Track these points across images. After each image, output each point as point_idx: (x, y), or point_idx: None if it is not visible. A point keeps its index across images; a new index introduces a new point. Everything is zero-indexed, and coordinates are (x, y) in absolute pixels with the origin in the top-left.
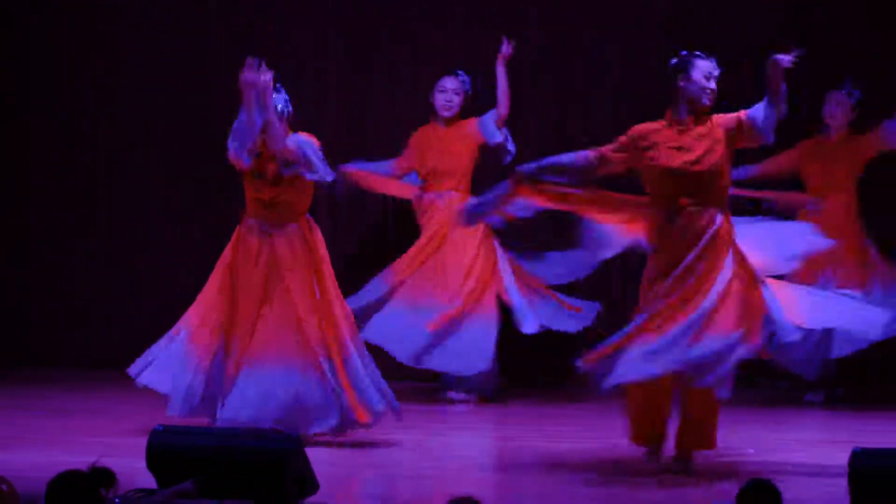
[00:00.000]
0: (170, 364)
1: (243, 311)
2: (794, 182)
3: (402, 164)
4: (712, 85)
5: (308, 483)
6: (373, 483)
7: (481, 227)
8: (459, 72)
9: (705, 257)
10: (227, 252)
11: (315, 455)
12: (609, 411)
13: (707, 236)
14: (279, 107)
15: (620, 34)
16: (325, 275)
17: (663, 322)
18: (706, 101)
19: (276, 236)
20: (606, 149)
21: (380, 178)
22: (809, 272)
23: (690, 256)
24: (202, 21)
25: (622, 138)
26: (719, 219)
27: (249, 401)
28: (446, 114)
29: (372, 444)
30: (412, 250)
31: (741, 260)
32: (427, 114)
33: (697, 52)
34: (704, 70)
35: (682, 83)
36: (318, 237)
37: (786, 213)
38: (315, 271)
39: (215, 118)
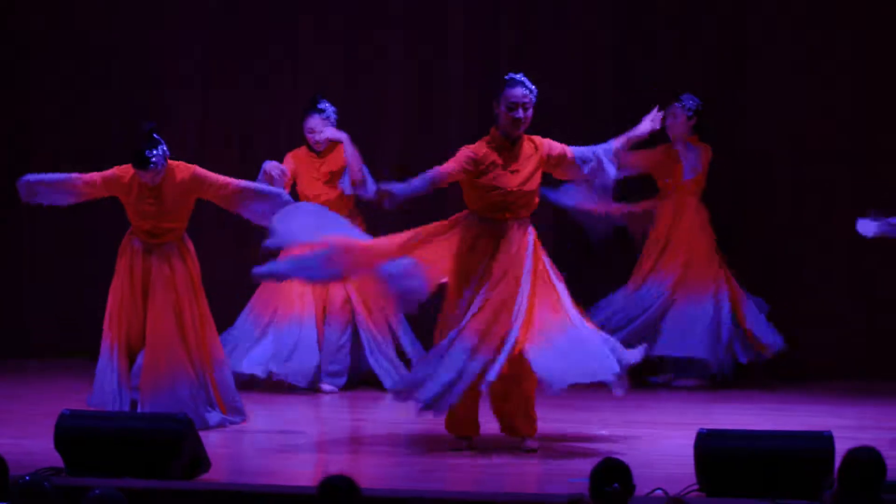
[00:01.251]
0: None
1: (144, 323)
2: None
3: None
4: (518, 114)
5: (200, 462)
6: (258, 461)
7: None
8: (323, 103)
9: (525, 267)
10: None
11: (208, 438)
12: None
13: (528, 248)
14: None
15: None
16: (199, 291)
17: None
18: (512, 130)
19: (156, 253)
20: (450, 169)
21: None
22: (658, 278)
23: (524, 266)
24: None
25: (465, 162)
26: (531, 231)
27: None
28: (318, 148)
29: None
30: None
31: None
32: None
33: (513, 78)
34: (511, 99)
35: (495, 109)
36: (193, 254)
37: (633, 225)
38: (192, 287)
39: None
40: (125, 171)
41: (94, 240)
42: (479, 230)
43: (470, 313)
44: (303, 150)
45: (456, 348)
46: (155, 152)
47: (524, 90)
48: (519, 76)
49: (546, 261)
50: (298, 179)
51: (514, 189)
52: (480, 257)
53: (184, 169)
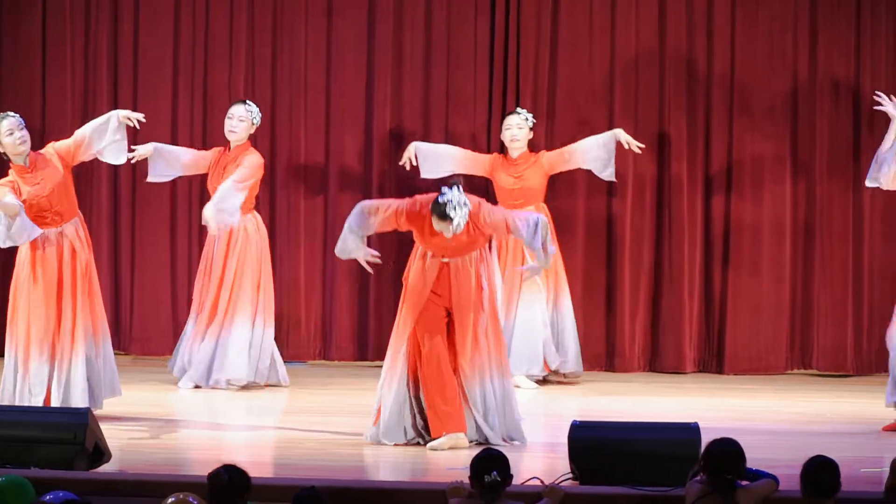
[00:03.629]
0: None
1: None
2: None
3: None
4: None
5: (101, 453)
6: (157, 452)
7: None
8: (248, 101)
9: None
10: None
11: (109, 430)
12: None
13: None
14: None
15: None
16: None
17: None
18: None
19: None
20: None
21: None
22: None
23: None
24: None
25: (411, 210)
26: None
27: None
28: (231, 138)
29: (158, 420)
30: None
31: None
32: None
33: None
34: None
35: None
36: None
37: None
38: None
39: None
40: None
41: None
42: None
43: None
44: (224, 148)
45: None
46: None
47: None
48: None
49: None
50: (209, 172)
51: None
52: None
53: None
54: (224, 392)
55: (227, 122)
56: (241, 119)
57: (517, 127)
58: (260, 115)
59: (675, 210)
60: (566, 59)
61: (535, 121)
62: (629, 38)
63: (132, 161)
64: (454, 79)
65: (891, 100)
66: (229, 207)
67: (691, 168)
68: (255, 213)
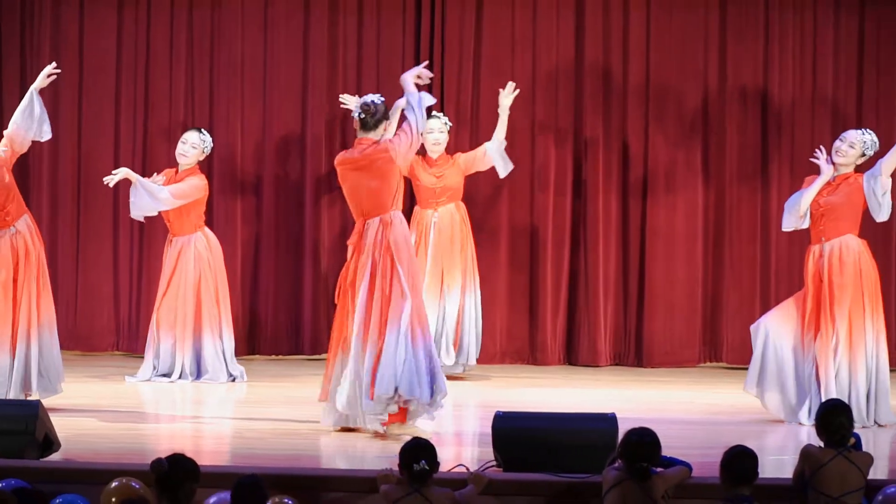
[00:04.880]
0: None
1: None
2: None
3: None
4: None
5: (51, 442)
6: (105, 441)
7: None
8: (202, 129)
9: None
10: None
11: (60, 421)
12: None
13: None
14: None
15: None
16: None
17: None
18: None
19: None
20: None
21: None
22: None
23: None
24: None
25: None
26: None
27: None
28: (181, 161)
29: (106, 411)
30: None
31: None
32: None
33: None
34: None
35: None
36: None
37: None
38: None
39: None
40: None
41: None
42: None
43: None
44: (175, 170)
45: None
46: None
47: None
48: None
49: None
50: None
51: None
52: None
53: None
54: (171, 385)
55: (179, 145)
56: (194, 146)
57: (438, 131)
58: (211, 144)
59: (591, 214)
60: (489, 70)
61: (451, 124)
62: (549, 50)
63: (109, 185)
64: (384, 90)
65: (827, 157)
66: (141, 203)
67: (608, 174)
68: (206, 229)
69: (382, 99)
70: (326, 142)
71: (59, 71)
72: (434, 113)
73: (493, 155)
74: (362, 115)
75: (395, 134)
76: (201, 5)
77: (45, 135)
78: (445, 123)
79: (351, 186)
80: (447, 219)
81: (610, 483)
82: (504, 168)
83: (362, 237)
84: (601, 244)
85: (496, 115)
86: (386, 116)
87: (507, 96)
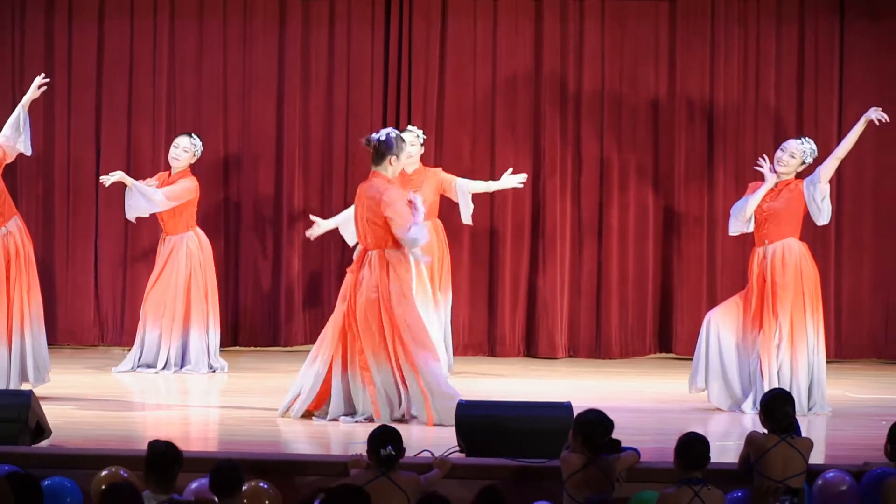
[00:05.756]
0: None
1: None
2: None
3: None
4: None
5: (42, 430)
6: (93, 429)
7: None
8: (193, 134)
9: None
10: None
11: (50, 409)
12: None
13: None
14: None
15: None
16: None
17: None
18: None
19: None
20: None
21: None
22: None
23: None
24: None
25: None
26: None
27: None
28: (174, 164)
29: (94, 400)
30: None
31: None
32: None
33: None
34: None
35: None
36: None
37: None
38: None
39: None
40: None
41: None
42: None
43: None
44: (168, 172)
45: None
46: None
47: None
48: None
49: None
50: None
51: None
52: None
53: None
54: (154, 375)
55: (171, 149)
56: (185, 150)
57: (410, 144)
58: (202, 147)
59: (549, 214)
60: (453, 78)
61: (425, 136)
62: (509, 59)
63: (105, 185)
64: (353, 99)
65: (770, 165)
66: (137, 205)
67: (563, 176)
68: (197, 229)
69: (390, 133)
70: (301, 146)
71: (48, 81)
72: (408, 126)
73: (461, 193)
74: (370, 148)
75: (408, 204)
76: (184, 16)
77: (26, 150)
78: (418, 136)
79: (357, 214)
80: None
81: (575, 467)
82: (466, 212)
83: (361, 267)
84: (558, 243)
85: (460, 120)
86: (392, 151)
87: (512, 181)
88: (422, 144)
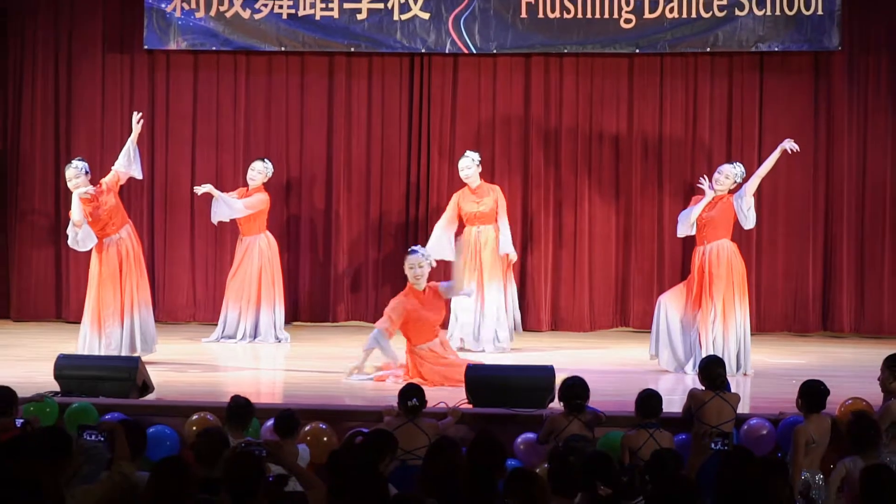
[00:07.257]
0: None
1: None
2: None
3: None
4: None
5: (147, 387)
6: (186, 386)
7: None
8: (266, 159)
9: None
10: None
11: (154, 371)
12: None
13: None
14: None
15: None
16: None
17: None
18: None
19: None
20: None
21: None
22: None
23: None
24: None
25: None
26: None
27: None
28: (250, 183)
29: (187, 363)
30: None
31: None
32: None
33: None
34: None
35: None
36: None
37: None
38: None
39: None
40: None
41: None
42: None
43: None
44: (246, 188)
45: None
46: None
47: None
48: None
49: None
50: None
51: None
52: None
53: None
54: (234, 345)
55: (249, 171)
56: (259, 172)
57: (465, 167)
58: (272, 170)
59: (536, 223)
60: (462, 117)
61: (480, 157)
62: (505, 103)
63: (197, 194)
64: (386, 134)
65: (709, 183)
66: (221, 211)
67: (546, 192)
68: (267, 232)
69: (427, 254)
70: (345, 170)
71: (142, 115)
72: (466, 152)
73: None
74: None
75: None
76: (257, 71)
77: (138, 174)
78: (473, 160)
79: None
80: (485, 234)
81: (563, 426)
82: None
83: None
84: (542, 243)
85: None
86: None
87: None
88: (478, 165)
